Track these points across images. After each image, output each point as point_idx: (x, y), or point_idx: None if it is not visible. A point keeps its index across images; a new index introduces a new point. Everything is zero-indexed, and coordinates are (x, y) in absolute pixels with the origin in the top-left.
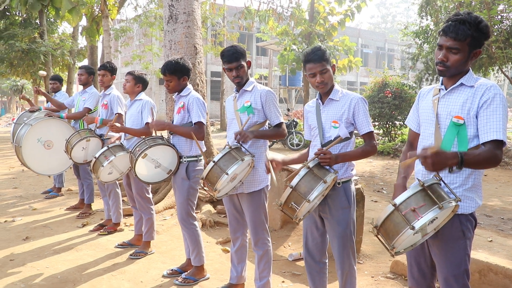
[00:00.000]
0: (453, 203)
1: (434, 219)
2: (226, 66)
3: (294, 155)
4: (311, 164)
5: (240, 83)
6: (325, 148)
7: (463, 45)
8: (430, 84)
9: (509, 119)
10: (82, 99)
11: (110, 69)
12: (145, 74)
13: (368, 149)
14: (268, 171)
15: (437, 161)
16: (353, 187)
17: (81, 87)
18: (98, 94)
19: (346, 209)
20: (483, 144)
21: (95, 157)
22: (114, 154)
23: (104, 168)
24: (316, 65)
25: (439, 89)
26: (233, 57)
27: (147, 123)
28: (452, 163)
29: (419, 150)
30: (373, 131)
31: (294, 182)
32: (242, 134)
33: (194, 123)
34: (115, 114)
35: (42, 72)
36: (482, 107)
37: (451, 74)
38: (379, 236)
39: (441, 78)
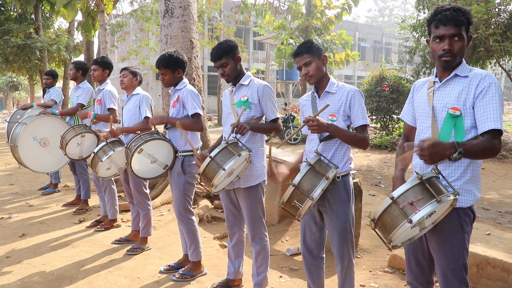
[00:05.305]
0: (452, 197)
1: (432, 213)
2: (213, 64)
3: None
4: (312, 161)
5: (228, 80)
6: (312, 115)
7: (463, 31)
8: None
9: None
10: (76, 95)
11: (101, 64)
12: (138, 69)
13: (361, 137)
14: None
15: (435, 152)
16: (351, 180)
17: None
18: (91, 89)
19: (345, 203)
20: (481, 134)
21: (93, 152)
22: (112, 149)
23: (103, 163)
24: (299, 59)
25: (434, 82)
26: (217, 56)
27: (146, 117)
28: (450, 153)
29: (416, 143)
30: (367, 125)
31: (296, 180)
32: (239, 125)
33: (191, 115)
34: (107, 109)
35: None
36: (478, 97)
37: (457, 62)
38: (376, 230)
39: (434, 70)
